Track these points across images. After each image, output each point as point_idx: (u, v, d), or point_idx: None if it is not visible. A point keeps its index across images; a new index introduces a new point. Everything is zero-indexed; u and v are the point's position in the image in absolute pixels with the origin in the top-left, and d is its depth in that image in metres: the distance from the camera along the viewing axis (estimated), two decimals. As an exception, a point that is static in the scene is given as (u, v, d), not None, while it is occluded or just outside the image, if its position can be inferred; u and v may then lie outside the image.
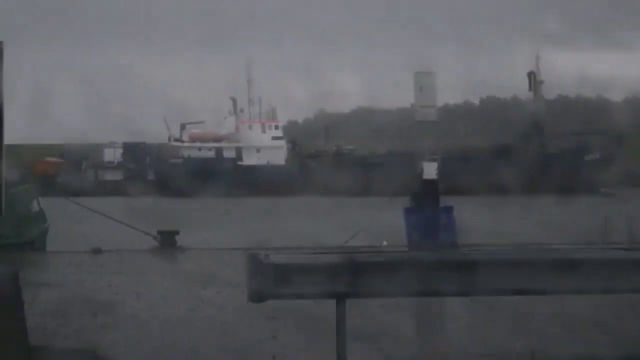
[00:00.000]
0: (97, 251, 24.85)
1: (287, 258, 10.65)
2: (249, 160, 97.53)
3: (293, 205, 62.26)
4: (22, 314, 9.10)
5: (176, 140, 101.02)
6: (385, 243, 25.33)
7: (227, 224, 43.33)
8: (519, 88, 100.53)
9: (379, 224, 28.47)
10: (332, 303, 10.50)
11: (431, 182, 25.41)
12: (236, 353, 12.41)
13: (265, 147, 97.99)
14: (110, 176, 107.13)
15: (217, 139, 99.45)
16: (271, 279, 9.73)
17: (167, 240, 25.96)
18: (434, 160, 26.67)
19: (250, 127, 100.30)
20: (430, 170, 25.68)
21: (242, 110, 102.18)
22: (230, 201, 74.07)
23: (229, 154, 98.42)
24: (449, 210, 24.64)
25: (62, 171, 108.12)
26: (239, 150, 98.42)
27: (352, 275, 10.14)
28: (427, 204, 24.69)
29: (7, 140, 11.36)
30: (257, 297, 10.02)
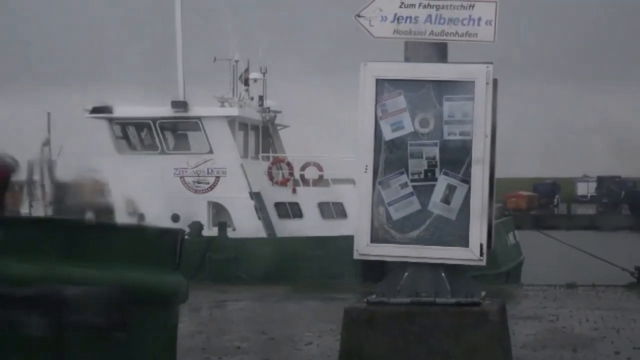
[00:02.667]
0: (571, 285, 24.69)
1: None
2: None
3: None
4: (509, 346, 9.22)
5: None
6: None
7: None
8: None
9: None
10: None
11: None
12: None
13: None
14: (583, 210, 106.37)
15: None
16: None
17: (645, 277, 25.32)
18: None
19: None
20: None
21: None
22: None
23: None
24: None
25: (535, 204, 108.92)
26: None
27: None
28: None
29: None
30: None
